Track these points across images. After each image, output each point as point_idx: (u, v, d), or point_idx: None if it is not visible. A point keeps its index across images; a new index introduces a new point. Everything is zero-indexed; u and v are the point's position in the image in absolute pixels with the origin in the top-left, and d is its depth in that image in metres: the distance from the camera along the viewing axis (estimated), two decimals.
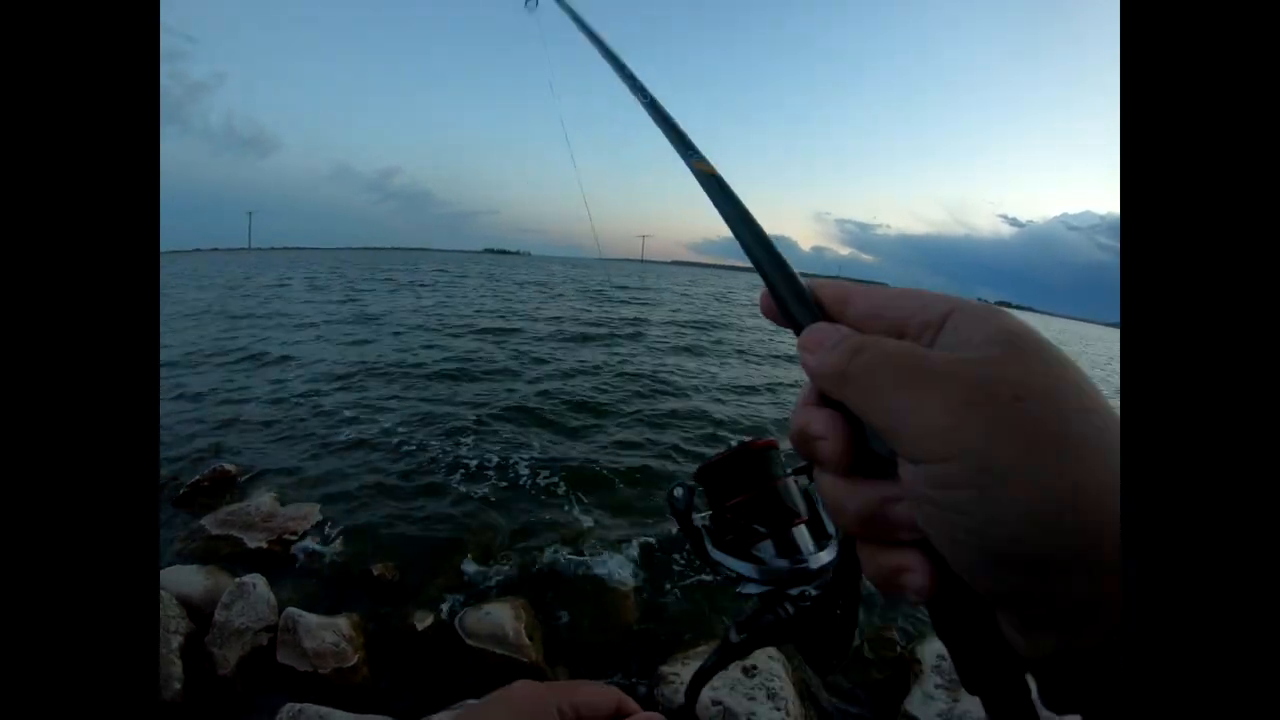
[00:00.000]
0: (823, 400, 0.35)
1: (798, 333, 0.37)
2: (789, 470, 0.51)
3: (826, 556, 0.47)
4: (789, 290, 0.39)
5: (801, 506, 0.49)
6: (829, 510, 0.37)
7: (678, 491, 0.51)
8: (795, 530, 0.48)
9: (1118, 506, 0.26)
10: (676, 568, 4.50)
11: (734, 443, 0.52)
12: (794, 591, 0.46)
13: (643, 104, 0.62)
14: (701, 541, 0.50)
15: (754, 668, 3.14)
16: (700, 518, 0.52)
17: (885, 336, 0.34)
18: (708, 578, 4.42)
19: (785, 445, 0.46)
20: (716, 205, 0.47)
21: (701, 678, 0.54)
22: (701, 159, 0.51)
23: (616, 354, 12.21)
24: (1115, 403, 0.30)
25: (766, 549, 0.48)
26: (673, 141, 0.55)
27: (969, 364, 0.30)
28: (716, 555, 0.49)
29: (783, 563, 0.47)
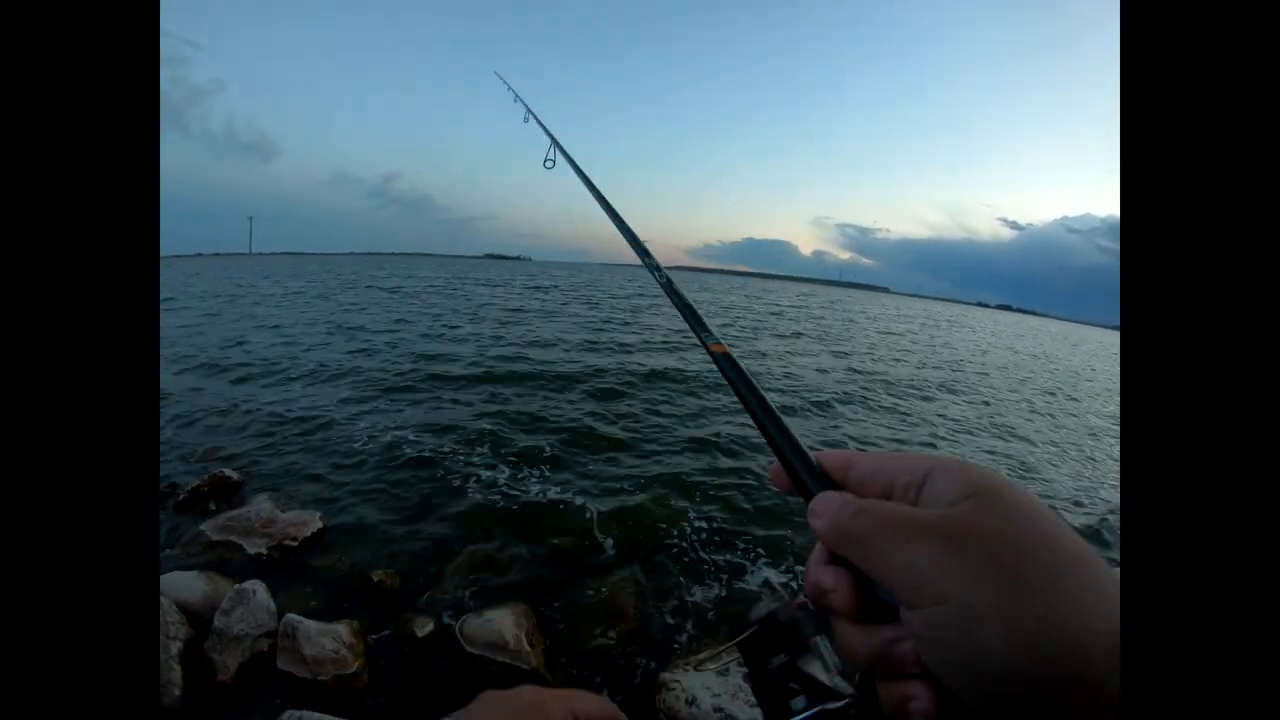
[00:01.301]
0: (833, 559, 0.40)
1: (807, 500, 0.43)
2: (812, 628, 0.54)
3: (846, 689, 0.50)
4: (799, 463, 0.45)
5: (835, 661, 0.52)
6: (842, 652, 0.41)
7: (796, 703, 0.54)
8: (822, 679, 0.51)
9: (1089, 625, 0.30)
10: (679, 575, 4.49)
11: (764, 610, 0.56)
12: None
13: (659, 283, 0.68)
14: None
15: None
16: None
17: (879, 499, 0.40)
18: (710, 587, 4.42)
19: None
20: (730, 382, 0.53)
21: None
22: (717, 341, 0.57)
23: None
24: (1114, 405, 0.30)
25: (801, 703, 0.50)
26: (690, 323, 0.60)
27: (947, 519, 0.35)
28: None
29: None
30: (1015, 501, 0.34)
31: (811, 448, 0.46)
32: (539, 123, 1.63)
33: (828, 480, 0.44)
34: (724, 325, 23.91)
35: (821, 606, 0.41)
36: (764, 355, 15.53)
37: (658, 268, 0.70)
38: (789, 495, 0.46)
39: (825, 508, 0.41)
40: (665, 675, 3.32)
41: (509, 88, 2.27)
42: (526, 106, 1.94)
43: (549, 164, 1.50)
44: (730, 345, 0.55)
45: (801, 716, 0.50)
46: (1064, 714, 0.30)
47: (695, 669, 3.33)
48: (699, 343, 0.58)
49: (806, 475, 0.44)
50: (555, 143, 1.45)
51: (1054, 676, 0.30)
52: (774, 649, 0.53)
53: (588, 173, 1.15)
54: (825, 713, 0.50)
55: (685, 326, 0.60)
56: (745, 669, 0.55)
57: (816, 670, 0.52)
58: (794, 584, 4.52)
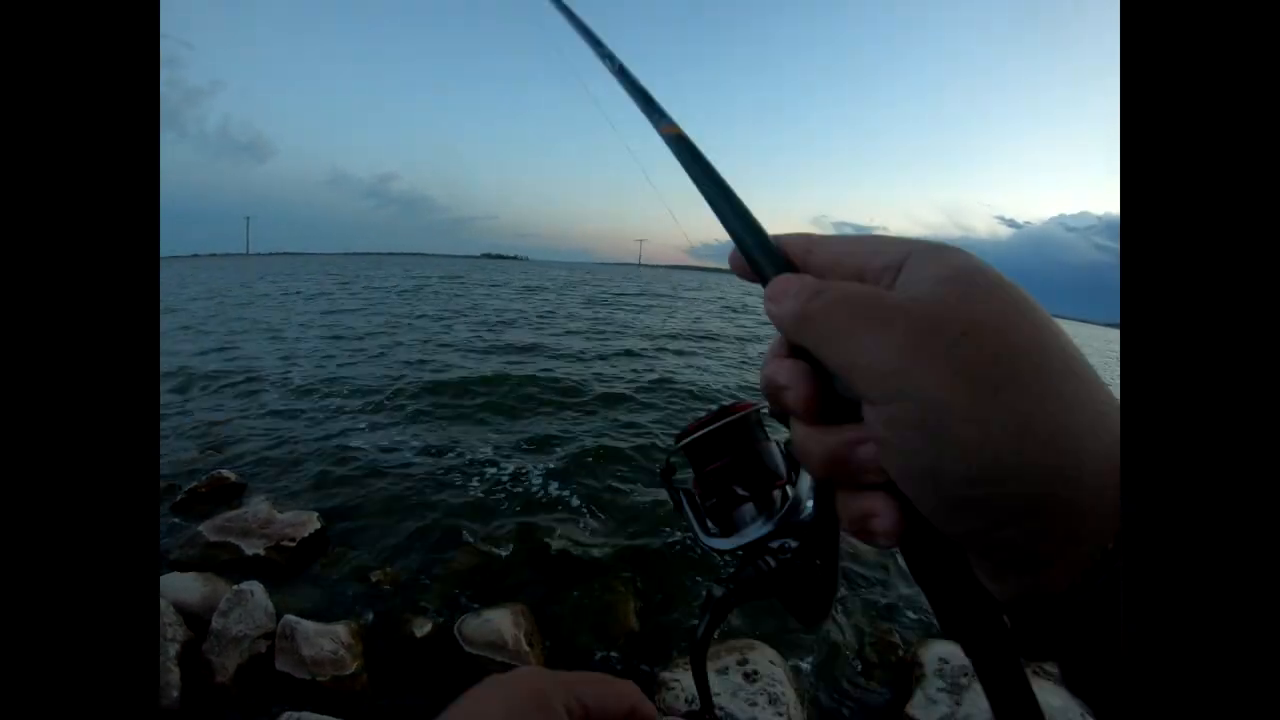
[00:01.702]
0: (791, 352, 0.35)
1: (765, 285, 0.37)
2: (767, 431, 0.51)
3: (804, 513, 0.47)
4: (756, 245, 0.39)
5: (783, 468, 0.50)
6: (799, 458, 0.36)
7: (658, 467, 0.53)
8: (775, 492, 0.48)
9: (1076, 445, 0.27)
10: (678, 575, 4.49)
11: (714, 407, 0.52)
12: (774, 545, 0.46)
13: (611, 70, 0.62)
14: (679, 503, 0.51)
15: (755, 673, 3.13)
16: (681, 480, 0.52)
17: (845, 281, 0.34)
18: (716, 576, 4.42)
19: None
20: (685, 167, 0.47)
21: (699, 648, 0.53)
22: (671, 123, 0.50)
23: None
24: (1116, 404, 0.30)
25: (747, 511, 0.48)
26: (641, 107, 0.55)
27: (920, 302, 0.30)
28: (688, 514, 0.51)
29: (760, 521, 0.47)
30: (1005, 292, 0.30)
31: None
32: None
33: (789, 265, 0.38)
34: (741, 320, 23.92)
35: (776, 404, 0.36)
36: None
37: (610, 55, 0.64)
38: (748, 280, 0.40)
39: (783, 289, 0.35)
40: (665, 674, 3.32)
41: None
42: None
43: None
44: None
45: (750, 538, 0.47)
46: (1031, 544, 0.28)
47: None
48: (651, 125, 0.52)
49: (764, 258, 0.39)
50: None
51: (1035, 494, 0.27)
52: (718, 450, 0.50)
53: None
54: (756, 550, 0.47)
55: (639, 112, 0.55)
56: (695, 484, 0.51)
57: (764, 471, 0.49)
58: None
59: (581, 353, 12.95)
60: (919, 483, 0.29)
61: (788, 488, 0.48)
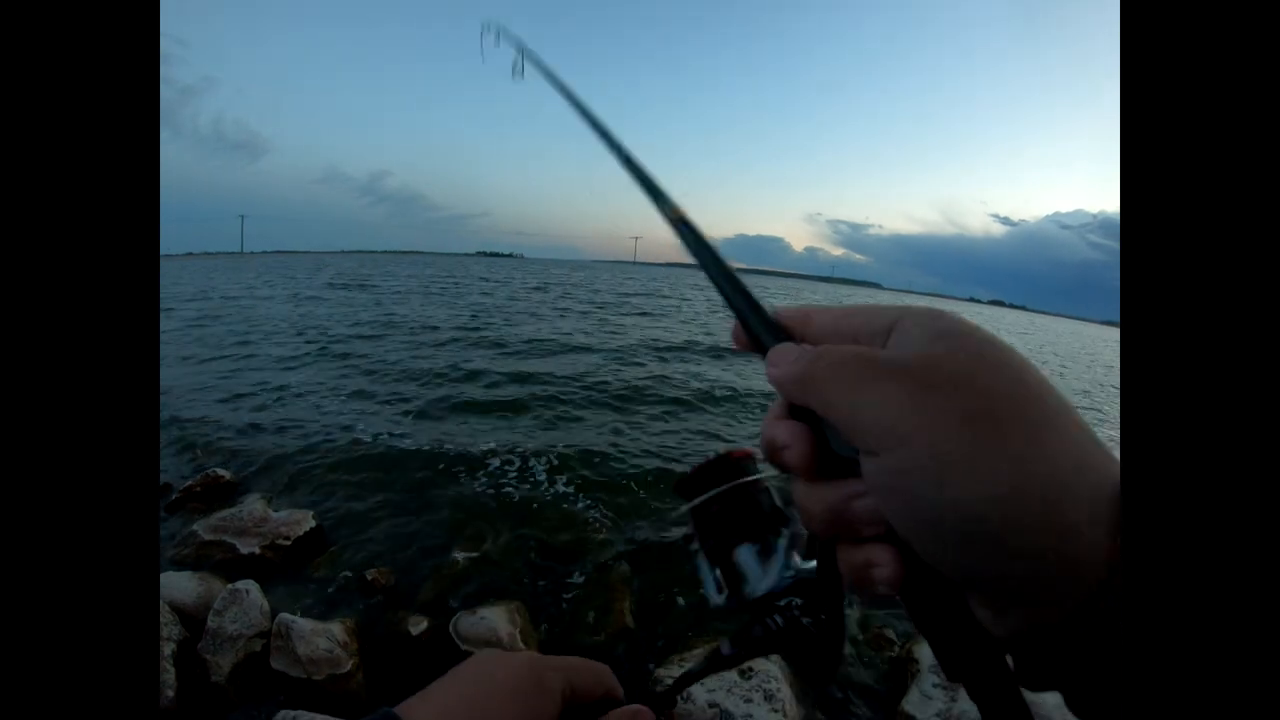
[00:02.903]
0: (790, 413, 0.37)
1: (764, 355, 0.40)
2: (765, 477, 0.52)
3: (807, 566, 0.48)
4: (756, 318, 0.42)
5: (783, 513, 0.50)
6: (801, 515, 0.38)
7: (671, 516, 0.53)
8: (776, 540, 0.49)
9: (1066, 482, 0.28)
10: (672, 571, 4.49)
11: (712, 454, 0.53)
12: (781, 603, 0.47)
13: (618, 160, 0.65)
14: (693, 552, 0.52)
15: (750, 669, 3.14)
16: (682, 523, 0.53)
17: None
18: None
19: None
20: (687, 246, 0.50)
21: (686, 680, 0.55)
22: (675, 207, 0.54)
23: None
24: (1114, 406, 0.30)
25: (747, 555, 0.49)
26: (646, 192, 0.57)
27: (914, 360, 0.32)
28: (700, 565, 0.51)
29: (768, 570, 0.48)
30: (991, 348, 0.32)
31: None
32: (503, 36, 1.38)
33: (787, 335, 0.40)
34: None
35: (777, 464, 0.38)
36: None
37: (618, 146, 0.67)
38: (750, 353, 0.42)
39: (782, 356, 0.37)
40: (659, 671, 3.32)
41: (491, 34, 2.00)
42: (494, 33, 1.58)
43: (518, 74, 1.28)
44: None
45: (758, 594, 0.48)
46: (1033, 578, 0.29)
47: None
48: (657, 210, 0.55)
49: (764, 330, 0.41)
50: (523, 49, 1.23)
51: (1026, 535, 0.28)
52: (718, 495, 0.51)
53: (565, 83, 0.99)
54: (764, 608, 0.48)
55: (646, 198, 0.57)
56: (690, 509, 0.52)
57: (761, 515, 0.49)
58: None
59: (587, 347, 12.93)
60: (921, 528, 0.31)
61: (787, 534, 0.49)
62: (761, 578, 0.48)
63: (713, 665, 0.52)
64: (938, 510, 0.29)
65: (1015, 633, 0.31)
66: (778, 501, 0.51)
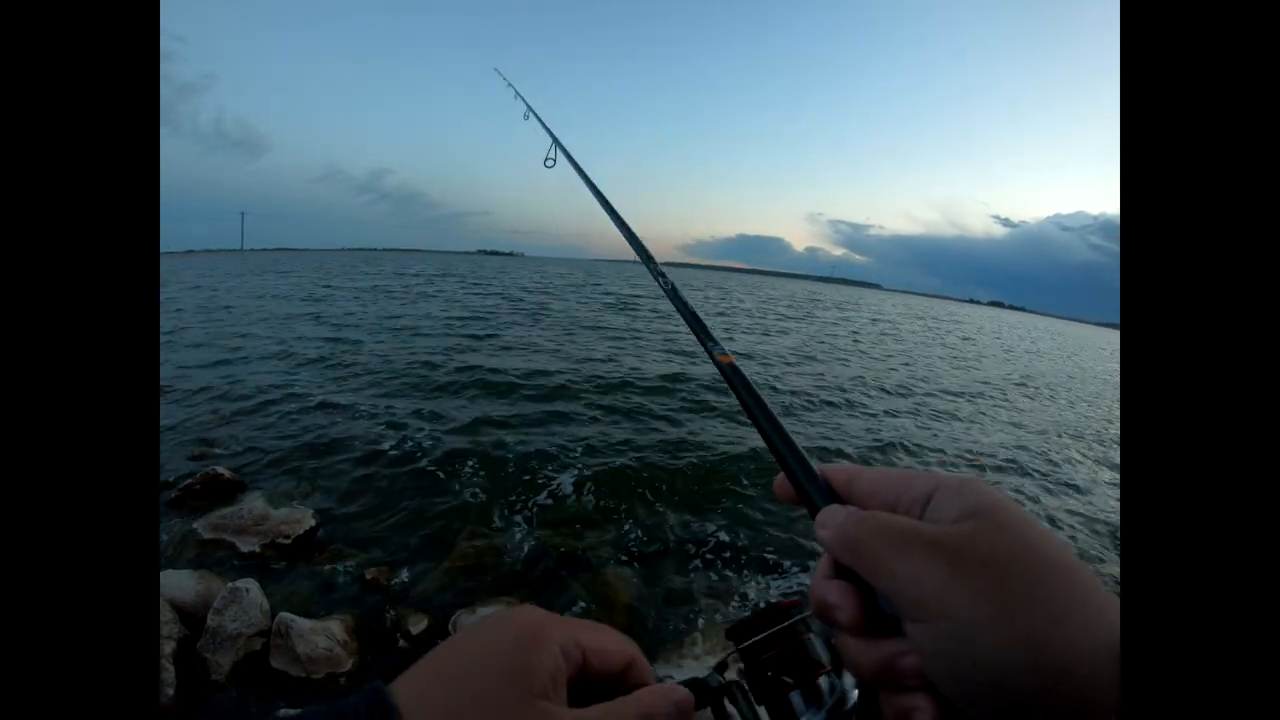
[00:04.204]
0: (837, 572, 0.42)
1: (812, 513, 0.44)
2: (811, 625, 0.54)
3: (853, 699, 0.50)
4: (804, 475, 0.46)
5: (826, 659, 0.52)
6: (847, 664, 0.42)
7: (712, 681, 0.54)
8: (821, 680, 0.51)
9: (1076, 645, 0.32)
10: (671, 569, 4.50)
11: (762, 604, 0.56)
12: None
13: (664, 290, 0.66)
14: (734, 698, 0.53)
15: None
16: (727, 674, 0.55)
17: (884, 511, 0.41)
18: (707, 576, 4.43)
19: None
20: (737, 394, 0.53)
21: None
22: (724, 352, 0.56)
23: None
24: (1115, 406, 0.30)
25: (796, 698, 0.51)
26: (696, 333, 0.59)
27: (951, 536, 0.36)
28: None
29: (814, 710, 0.50)
30: (1011, 520, 0.36)
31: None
32: (540, 121, 1.60)
33: (832, 494, 0.45)
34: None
35: (827, 621, 0.42)
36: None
37: (662, 274, 0.68)
38: (793, 506, 0.46)
39: (831, 519, 0.42)
40: (658, 670, 3.32)
41: (509, 84, 2.23)
42: (527, 104, 1.90)
43: (549, 163, 1.49)
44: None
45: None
46: None
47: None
48: (705, 353, 0.57)
49: (811, 487, 0.45)
50: (556, 141, 1.42)
51: (1048, 689, 0.31)
52: (767, 641, 0.53)
53: (588, 171, 1.14)
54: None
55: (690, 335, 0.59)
56: (739, 660, 0.54)
57: (809, 662, 0.51)
58: (782, 572, 4.53)
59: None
60: (955, 684, 0.35)
61: (831, 676, 0.51)
62: (812, 716, 0.50)
63: None
64: (968, 671, 0.34)
65: None
66: (821, 649, 0.53)
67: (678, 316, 0.62)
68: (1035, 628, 0.32)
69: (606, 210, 0.87)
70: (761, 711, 0.52)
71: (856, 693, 0.50)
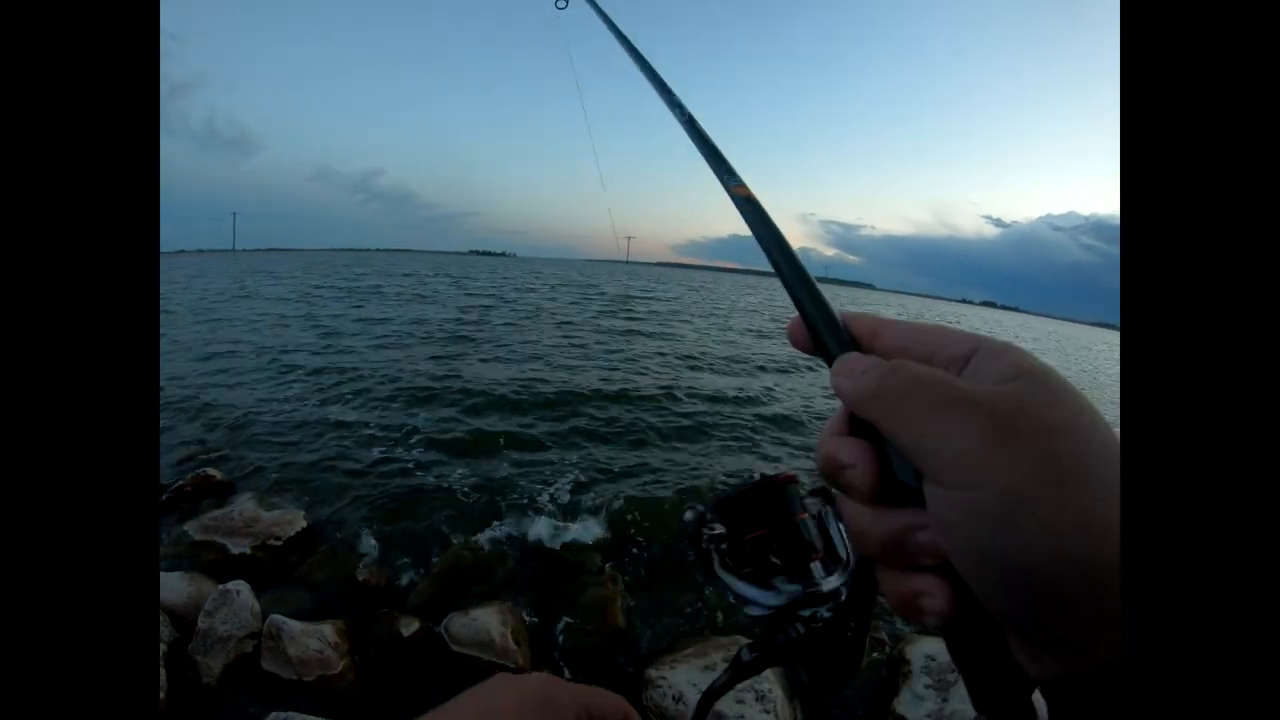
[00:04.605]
0: (851, 429, 0.36)
1: (829, 362, 0.38)
2: (805, 501, 0.51)
3: (836, 580, 0.48)
4: (822, 319, 0.40)
5: (818, 542, 0.50)
6: (851, 536, 0.37)
7: (687, 515, 0.52)
8: (812, 564, 0.49)
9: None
10: (663, 573, 4.49)
11: (755, 475, 0.52)
12: (805, 613, 0.47)
13: (680, 120, 0.62)
14: (710, 563, 0.51)
15: None
16: (708, 538, 0.52)
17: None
18: (694, 584, 4.43)
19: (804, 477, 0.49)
20: (753, 229, 0.47)
21: (712, 696, 0.53)
22: (740, 183, 0.50)
23: None
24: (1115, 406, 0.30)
25: (781, 582, 0.48)
26: (710, 163, 0.55)
27: (996, 396, 0.31)
28: (724, 577, 0.50)
29: (793, 587, 0.48)
30: (1066, 394, 0.31)
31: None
32: None
33: (854, 344, 0.38)
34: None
35: (835, 483, 0.36)
36: None
37: (679, 104, 0.64)
38: (806, 352, 0.41)
39: (852, 367, 0.36)
40: (651, 672, 3.32)
41: None
42: None
43: (561, 4, 1.31)
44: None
45: (755, 612, 0.48)
46: (1077, 627, 0.29)
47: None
48: (720, 184, 0.52)
49: (829, 333, 0.39)
50: None
51: (1087, 585, 0.28)
52: (757, 519, 0.50)
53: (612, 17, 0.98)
54: (786, 616, 0.48)
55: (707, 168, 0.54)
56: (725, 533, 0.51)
57: (800, 544, 0.49)
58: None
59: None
60: (982, 567, 0.30)
61: (822, 560, 0.49)
62: (794, 593, 0.48)
63: (735, 675, 0.51)
64: (999, 552, 0.29)
65: (1049, 676, 0.31)
66: (814, 530, 0.50)
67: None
68: (1083, 513, 0.28)
69: (630, 52, 0.78)
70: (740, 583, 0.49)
71: (841, 578, 0.48)
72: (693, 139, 0.58)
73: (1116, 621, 0.27)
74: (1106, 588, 0.27)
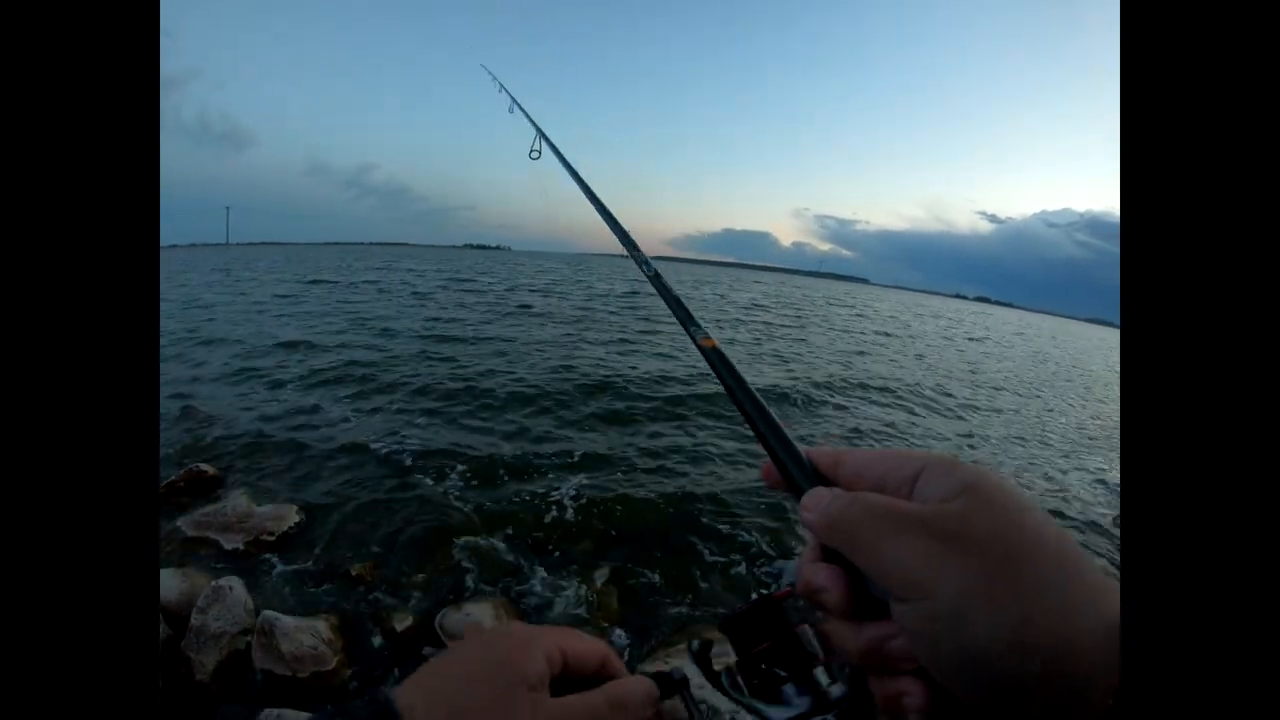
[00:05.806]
0: (824, 555, 0.41)
1: (798, 496, 0.44)
2: (804, 613, 0.54)
3: (839, 689, 0.50)
4: (790, 459, 0.46)
5: (819, 650, 0.52)
6: (837, 650, 0.42)
7: (694, 644, 0.54)
8: (815, 671, 0.51)
9: (1072, 625, 0.31)
10: (660, 566, 4.50)
11: (754, 595, 0.56)
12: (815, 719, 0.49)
13: (647, 275, 0.67)
14: (725, 688, 0.53)
15: None
16: (723, 669, 0.55)
17: (870, 492, 0.40)
18: (692, 577, 4.43)
19: None
20: (720, 377, 0.52)
21: None
22: (705, 335, 0.56)
23: None
24: (1115, 406, 0.30)
25: (789, 690, 0.50)
26: (678, 317, 0.59)
27: (941, 514, 0.35)
28: (745, 699, 0.53)
29: (804, 699, 0.50)
30: (1006, 499, 0.35)
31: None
32: (525, 114, 1.61)
33: (819, 477, 0.44)
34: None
35: (815, 604, 0.41)
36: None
37: (645, 261, 0.69)
38: (780, 492, 0.46)
39: (816, 501, 0.41)
40: (644, 668, 3.32)
41: (494, 78, 2.24)
42: (512, 97, 1.91)
43: (534, 155, 1.49)
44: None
45: (797, 713, 0.50)
46: (1051, 709, 0.31)
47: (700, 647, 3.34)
48: (688, 336, 0.57)
49: (797, 471, 0.45)
50: (541, 134, 1.43)
51: (1041, 671, 0.30)
52: (760, 634, 0.52)
53: (574, 163, 1.15)
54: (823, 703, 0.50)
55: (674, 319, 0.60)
56: (731, 651, 0.53)
57: (803, 654, 0.51)
58: (771, 565, 4.55)
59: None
60: (945, 667, 0.34)
61: (829, 667, 0.51)
62: (805, 706, 0.50)
63: None
64: (960, 652, 0.33)
65: None
66: (816, 640, 0.52)
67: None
68: (1027, 608, 0.31)
69: (591, 200, 0.88)
70: (757, 704, 0.52)
71: (845, 688, 0.50)
72: (660, 293, 0.64)
73: (1081, 699, 0.30)
74: (1063, 672, 0.31)
